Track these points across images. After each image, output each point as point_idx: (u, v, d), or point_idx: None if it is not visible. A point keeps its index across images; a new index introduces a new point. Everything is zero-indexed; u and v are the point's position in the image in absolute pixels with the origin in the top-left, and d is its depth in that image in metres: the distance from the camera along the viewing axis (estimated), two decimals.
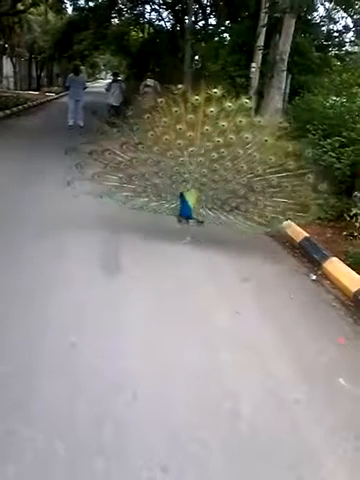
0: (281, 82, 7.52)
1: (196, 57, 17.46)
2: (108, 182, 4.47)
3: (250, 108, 4.33)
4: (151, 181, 4.41)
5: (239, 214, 4.39)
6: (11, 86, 28.91)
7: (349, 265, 4.04)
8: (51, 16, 28.31)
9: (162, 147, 4.31)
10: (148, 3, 22.29)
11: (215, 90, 4.07)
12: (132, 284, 3.60)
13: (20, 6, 20.51)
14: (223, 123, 4.13)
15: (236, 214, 4.40)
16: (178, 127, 4.21)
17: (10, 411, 2.24)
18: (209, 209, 4.44)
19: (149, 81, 11.37)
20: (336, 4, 8.34)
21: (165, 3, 20.85)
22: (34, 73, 34.15)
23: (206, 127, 4.15)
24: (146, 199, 4.49)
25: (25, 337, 2.84)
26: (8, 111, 15.05)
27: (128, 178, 4.45)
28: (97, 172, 4.46)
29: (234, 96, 4.16)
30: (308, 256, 4.46)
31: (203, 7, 17.30)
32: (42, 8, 25.58)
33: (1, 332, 2.88)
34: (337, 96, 7.74)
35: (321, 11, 16.02)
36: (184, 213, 4.47)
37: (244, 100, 4.20)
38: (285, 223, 4.60)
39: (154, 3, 21.99)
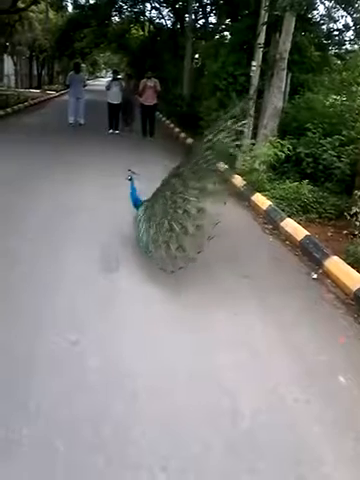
0: (281, 81, 7.50)
1: (196, 55, 17.47)
2: None
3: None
4: None
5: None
6: (12, 84, 28.84)
7: (350, 264, 4.05)
8: (52, 14, 28.28)
9: None
10: (148, 1, 22.30)
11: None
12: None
13: (21, 4, 20.44)
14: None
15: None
16: None
17: (10, 410, 2.26)
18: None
19: (149, 79, 11.37)
20: (336, 3, 8.29)
21: (165, 1, 20.82)
22: (35, 71, 34.12)
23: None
24: None
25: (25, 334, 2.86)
26: (9, 109, 15.05)
27: None
28: None
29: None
30: (309, 255, 4.48)
31: (203, 5, 17.26)
32: (43, 6, 25.51)
33: (1, 329, 2.90)
34: (337, 95, 7.76)
35: (321, 10, 16.04)
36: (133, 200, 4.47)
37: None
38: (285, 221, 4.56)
39: (154, 1, 21.97)
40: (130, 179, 4.47)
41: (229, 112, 4.28)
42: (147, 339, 2.93)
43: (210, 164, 4.10)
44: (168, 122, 15.06)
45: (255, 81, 7.92)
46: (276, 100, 7.55)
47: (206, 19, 17.54)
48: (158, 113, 14.25)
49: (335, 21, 9.05)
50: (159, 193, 4.17)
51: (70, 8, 25.40)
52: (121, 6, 23.31)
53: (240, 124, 4.11)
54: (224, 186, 3.92)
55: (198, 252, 3.49)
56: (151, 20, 24.05)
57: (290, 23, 7.23)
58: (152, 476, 1.96)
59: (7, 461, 1.99)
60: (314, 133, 6.66)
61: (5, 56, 27.83)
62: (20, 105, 16.84)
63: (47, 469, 1.97)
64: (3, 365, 2.57)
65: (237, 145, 4.56)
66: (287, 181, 6.30)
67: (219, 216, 3.47)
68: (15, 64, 30.63)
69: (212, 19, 17.65)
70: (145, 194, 4.38)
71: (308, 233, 4.81)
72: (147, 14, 23.87)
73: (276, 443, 2.20)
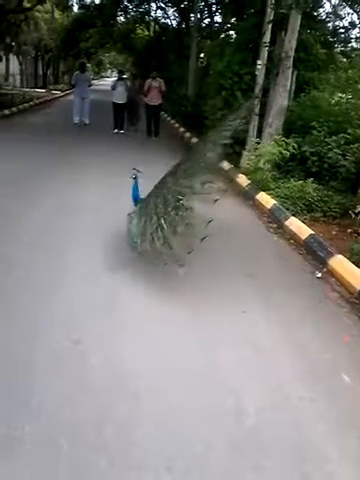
0: (287, 79, 7.47)
1: (201, 55, 17.45)
2: None
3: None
4: None
5: None
6: (17, 84, 29.00)
7: (354, 262, 4.03)
8: (57, 14, 28.37)
9: None
10: (154, 1, 22.31)
11: None
12: None
13: (26, 4, 20.52)
14: None
15: None
16: None
17: (13, 408, 2.26)
18: None
19: (154, 79, 11.38)
20: (342, 0, 8.28)
21: (171, 1, 20.80)
22: (40, 71, 34.25)
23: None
24: None
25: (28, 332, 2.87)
26: (15, 109, 15.13)
27: None
28: None
29: None
30: (313, 253, 4.46)
31: (209, 5, 17.24)
32: (48, 6, 25.60)
33: (5, 327, 2.91)
34: (343, 93, 7.72)
35: (327, 7, 16.01)
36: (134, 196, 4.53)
37: None
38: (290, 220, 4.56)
39: (160, 1, 21.98)
40: (134, 177, 4.49)
41: (234, 112, 4.30)
42: (150, 338, 2.92)
43: (202, 163, 4.12)
44: (173, 122, 15.06)
45: (260, 80, 7.89)
46: (281, 98, 7.52)
47: (211, 18, 17.52)
48: (163, 113, 14.26)
49: (341, 19, 9.04)
50: (154, 191, 4.22)
51: (76, 8, 25.55)
52: (126, 6, 23.42)
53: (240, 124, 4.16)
54: (214, 185, 3.90)
55: (188, 252, 3.44)
56: (156, 20, 24.06)
57: (296, 21, 7.20)
58: (156, 476, 1.95)
59: (10, 458, 1.99)
60: (319, 131, 6.63)
61: (11, 56, 27.98)
62: (25, 105, 16.91)
63: (49, 467, 1.97)
64: (5, 361, 2.58)
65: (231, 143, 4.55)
66: (292, 180, 6.27)
67: (210, 215, 3.45)
68: (21, 64, 30.78)
69: (217, 18, 17.65)
70: (146, 193, 4.38)
71: (312, 232, 4.79)
72: (152, 14, 23.95)
73: (280, 441, 2.19)
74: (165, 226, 3.64)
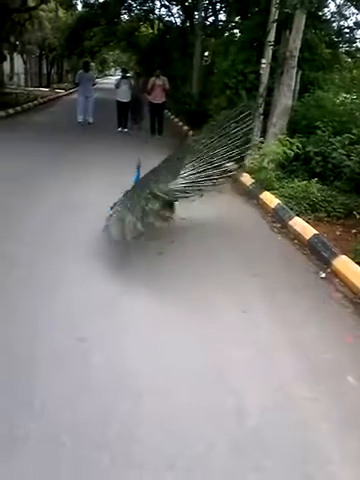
0: (291, 79, 7.45)
1: (206, 53, 17.42)
2: None
3: None
4: None
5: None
6: (22, 83, 29.06)
7: (358, 263, 4.01)
8: (61, 12, 28.38)
9: None
10: None
11: None
12: None
13: (31, 2, 20.55)
14: None
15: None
16: None
17: (15, 406, 2.27)
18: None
19: (158, 78, 11.37)
20: (347, 0, 8.25)
21: None
22: (44, 70, 34.28)
23: None
24: None
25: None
26: (19, 108, 15.15)
27: None
28: None
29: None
30: (317, 254, 4.45)
31: (213, 3, 17.18)
32: (52, 4, 25.61)
33: (8, 325, 2.92)
34: (347, 93, 7.70)
35: (332, 7, 15.93)
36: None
37: None
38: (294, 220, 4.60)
39: None
40: (137, 167, 4.73)
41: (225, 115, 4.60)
42: (153, 337, 2.92)
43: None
44: (177, 120, 15.05)
45: (265, 79, 7.88)
46: (286, 98, 7.51)
47: (216, 17, 17.48)
48: (167, 111, 14.25)
49: (346, 18, 9.01)
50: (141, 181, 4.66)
51: (79, 7, 25.47)
52: (130, 4, 23.36)
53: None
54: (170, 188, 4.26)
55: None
56: (160, 18, 24.00)
57: (300, 20, 7.18)
58: (158, 475, 1.96)
59: (13, 455, 2.00)
60: (324, 131, 6.61)
61: (15, 55, 28.01)
62: (30, 104, 16.93)
63: (52, 465, 1.98)
64: (8, 359, 2.60)
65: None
66: (296, 180, 6.26)
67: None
68: (25, 63, 30.83)
69: (222, 17, 17.59)
70: None
71: (316, 232, 4.78)
72: (156, 12, 23.87)
73: (282, 441, 2.19)
74: (136, 211, 3.94)
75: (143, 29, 27.94)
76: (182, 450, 2.09)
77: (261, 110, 7.90)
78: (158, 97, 11.37)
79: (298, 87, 7.82)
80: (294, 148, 6.55)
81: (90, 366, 2.60)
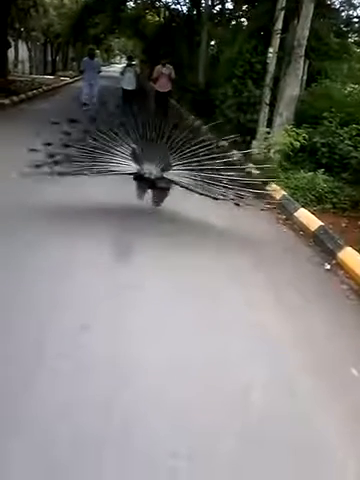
0: (298, 68, 7.37)
1: (212, 42, 17.24)
2: None
3: None
4: None
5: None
6: (26, 70, 28.90)
7: None
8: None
9: None
10: None
11: None
12: None
13: None
14: None
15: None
16: None
17: (16, 392, 2.26)
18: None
19: (164, 66, 11.28)
20: None
21: None
22: (49, 57, 34.08)
23: None
24: None
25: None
26: (23, 96, 15.05)
27: None
28: None
29: None
30: (322, 245, 4.43)
31: None
32: None
33: (10, 311, 2.91)
34: (356, 83, 7.61)
35: None
36: None
37: None
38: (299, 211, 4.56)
39: None
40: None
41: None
42: (157, 328, 2.90)
43: None
44: (182, 109, 14.94)
45: (272, 68, 7.80)
46: (292, 88, 7.44)
47: (223, 5, 17.28)
48: (172, 100, 14.14)
49: (355, 8, 8.91)
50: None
51: None
52: None
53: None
54: None
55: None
56: (167, 5, 23.73)
57: (309, 9, 7.08)
58: (161, 464, 1.95)
59: (11, 444, 1.99)
60: (331, 122, 6.55)
61: (20, 42, 27.83)
62: (34, 91, 16.82)
63: (52, 455, 1.97)
64: (11, 346, 2.59)
65: None
66: (302, 171, 6.22)
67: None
68: (29, 50, 30.63)
69: (229, 5, 17.39)
70: None
71: (322, 223, 4.75)
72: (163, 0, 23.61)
73: (287, 434, 2.18)
74: None
75: (149, 17, 27.64)
76: (187, 440, 2.07)
77: (267, 100, 7.83)
78: (164, 86, 11.29)
79: (305, 77, 7.75)
80: (300, 139, 6.50)
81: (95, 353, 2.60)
